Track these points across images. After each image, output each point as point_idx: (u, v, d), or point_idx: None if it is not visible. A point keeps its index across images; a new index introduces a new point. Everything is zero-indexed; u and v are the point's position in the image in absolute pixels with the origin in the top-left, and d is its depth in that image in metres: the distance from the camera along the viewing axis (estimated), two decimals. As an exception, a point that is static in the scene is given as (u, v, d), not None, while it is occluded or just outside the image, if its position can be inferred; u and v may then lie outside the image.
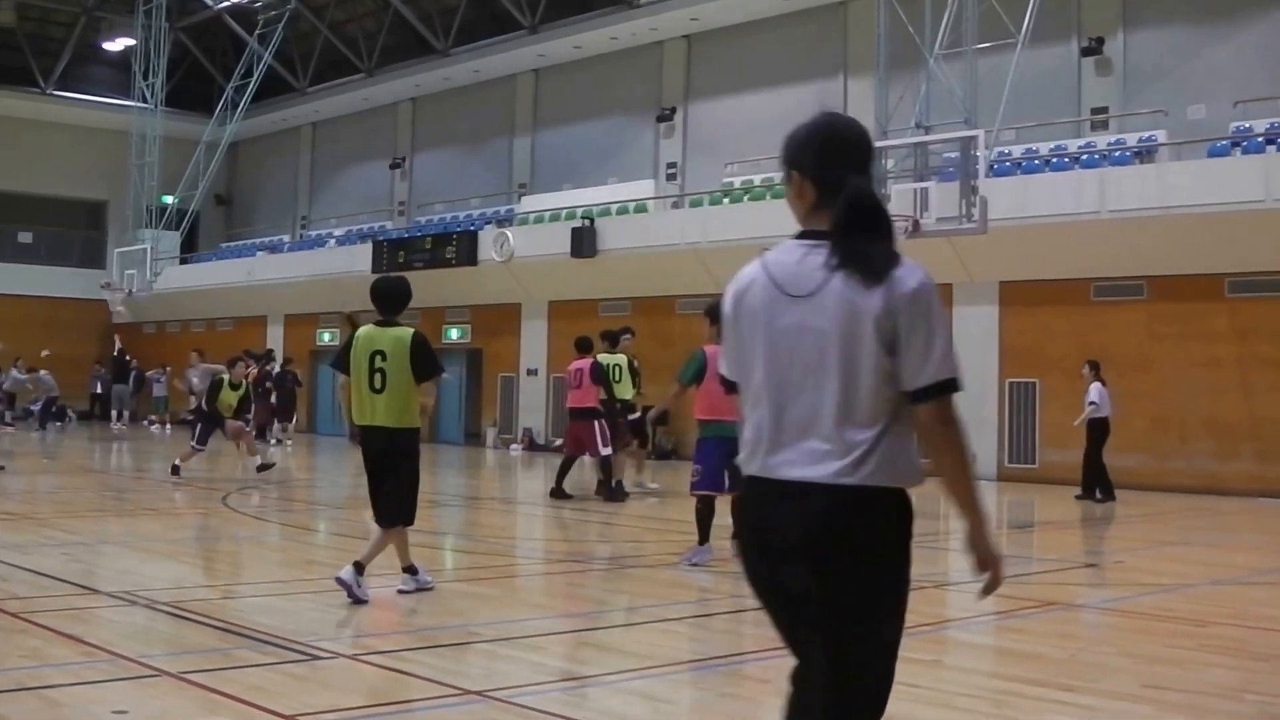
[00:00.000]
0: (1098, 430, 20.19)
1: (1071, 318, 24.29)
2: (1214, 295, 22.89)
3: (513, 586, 10.77)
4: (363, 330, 9.55)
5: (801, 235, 3.63)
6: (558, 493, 18.21)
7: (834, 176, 3.53)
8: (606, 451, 18.14)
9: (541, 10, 37.03)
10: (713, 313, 11.49)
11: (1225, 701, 6.80)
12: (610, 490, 18.34)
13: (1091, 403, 20.02)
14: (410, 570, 9.67)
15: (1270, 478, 22.04)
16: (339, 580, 9.14)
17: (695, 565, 11.64)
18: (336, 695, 6.49)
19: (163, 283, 43.47)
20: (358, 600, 9.09)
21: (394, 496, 9.44)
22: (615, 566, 12.22)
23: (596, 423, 17.95)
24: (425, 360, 9.36)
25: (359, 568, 9.25)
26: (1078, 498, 20.23)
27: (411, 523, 9.61)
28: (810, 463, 3.37)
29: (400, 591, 9.58)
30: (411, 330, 9.48)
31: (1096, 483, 20.25)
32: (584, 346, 18.70)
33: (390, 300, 9.57)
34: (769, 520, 3.45)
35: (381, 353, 9.31)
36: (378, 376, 9.28)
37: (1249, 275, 22.68)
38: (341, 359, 9.58)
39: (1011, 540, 16.83)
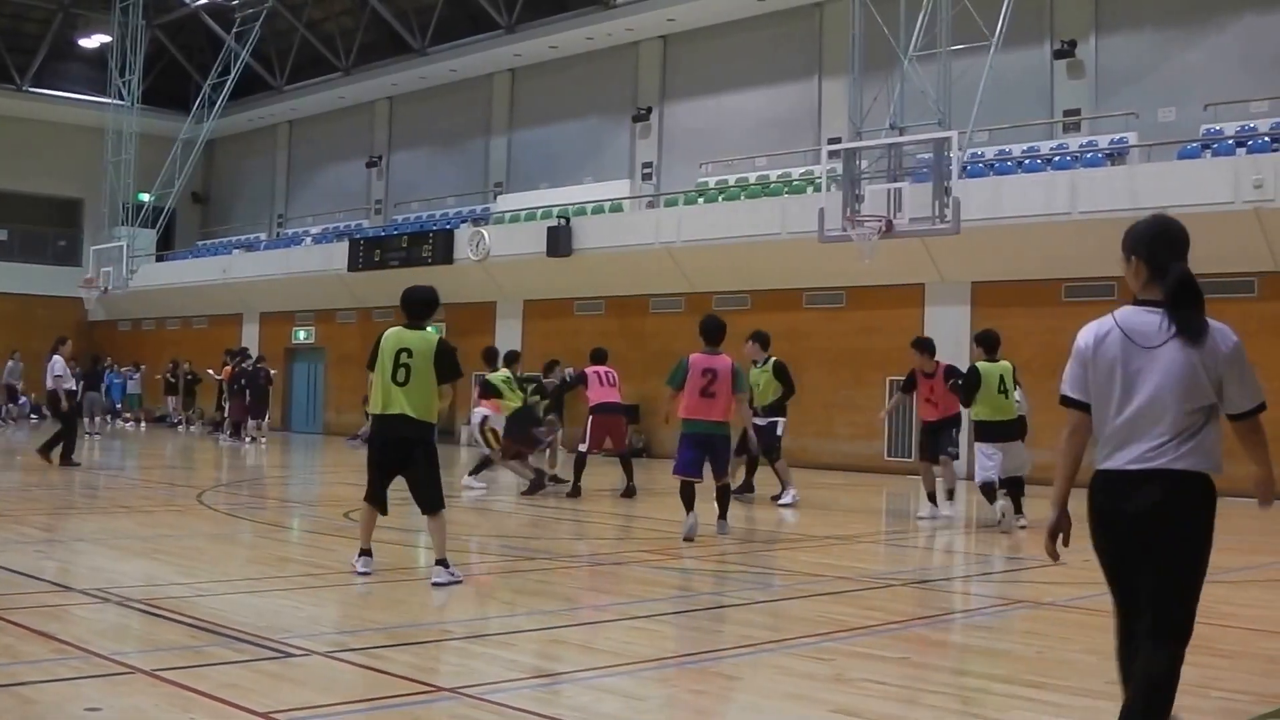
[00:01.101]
0: None
1: (1042, 318, 24.43)
2: (1185, 296, 23.04)
3: (485, 584, 10.82)
4: (391, 331, 10.37)
5: (1141, 303, 5.07)
6: (575, 491, 18.44)
7: (1162, 262, 5.01)
8: (583, 448, 18.53)
9: (518, 10, 37.04)
10: (702, 327, 13.94)
11: (1189, 698, 6.79)
12: (575, 486, 18.57)
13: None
14: (444, 563, 10.15)
15: (1236, 477, 22.00)
16: (437, 584, 9.95)
17: (689, 541, 13.23)
18: (310, 693, 6.50)
19: (138, 280, 43.35)
20: (456, 580, 10.05)
21: (427, 485, 10.26)
22: (586, 564, 12.29)
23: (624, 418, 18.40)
24: (448, 364, 10.25)
25: (443, 563, 10.10)
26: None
27: (444, 505, 10.37)
28: (1158, 458, 4.96)
29: (435, 584, 9.96)
30: (438, 335, 10.43)
31: None
32: (601, 357, 19.30)
33: (417, 308, 10.45)
34: (1127, 499, 5.06)
35: (408, 350, 10.14)
36: (402, 371, 10.10)
37: (1218, 276, 22.79)
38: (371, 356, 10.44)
39: (979, 540, 16.95)
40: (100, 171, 44.58)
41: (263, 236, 46.31)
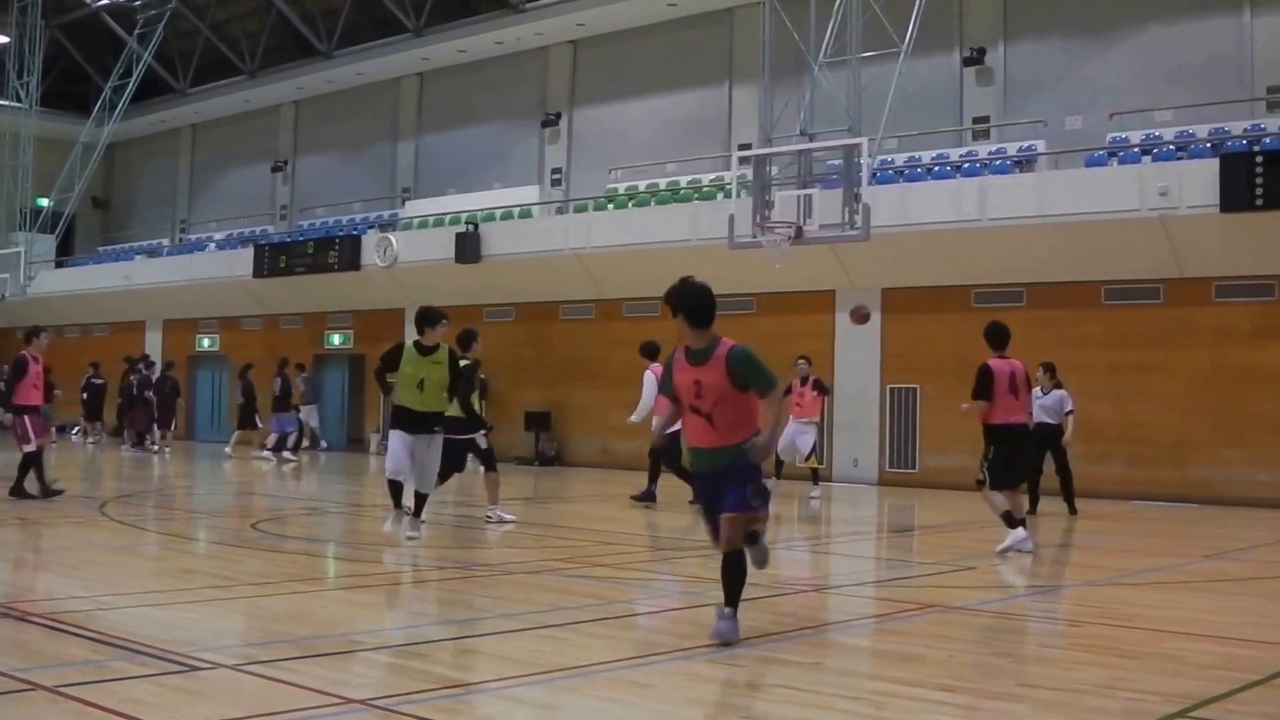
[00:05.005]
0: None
1: (951, 324, 24.62)
2: (1090, 302, 23.35)
3: (394, 594, 10.71)
4: None
5: None
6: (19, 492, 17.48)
7: None
8: (30, 448, 17.51)
9: (426, 14, 36.82)
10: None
11: (1096, 699, 6.92)
12: (18, 488, 17.60)
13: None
14: None
15: (1141, 480, 22.51)
16: None
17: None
18: (216, 706, 6.41)
19: (37, 287, 42.64)
20: None
21: None
22: (496, 573, 12.20)
23: (27, 418, 17.60)
24: None
25: None
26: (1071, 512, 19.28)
27: None
28: None
29: None
30: None
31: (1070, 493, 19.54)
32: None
33: None
34: None
35: None
36: None
37: (1124, 283, 23.16)
38: None
39: (891, 544, 17.06)
40: (-3, 175, 43.85)
41: (166, 242, 45.67)
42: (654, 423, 18.51)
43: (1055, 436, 19.09)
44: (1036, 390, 18.29)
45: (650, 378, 18.79)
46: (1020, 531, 13.51)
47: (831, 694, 7.01)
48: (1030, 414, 15.36)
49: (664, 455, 18.87)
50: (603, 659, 7.86)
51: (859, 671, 8.02)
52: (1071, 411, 19.30)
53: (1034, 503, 18.60)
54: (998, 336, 14.13)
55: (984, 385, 13.74)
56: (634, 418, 19.07)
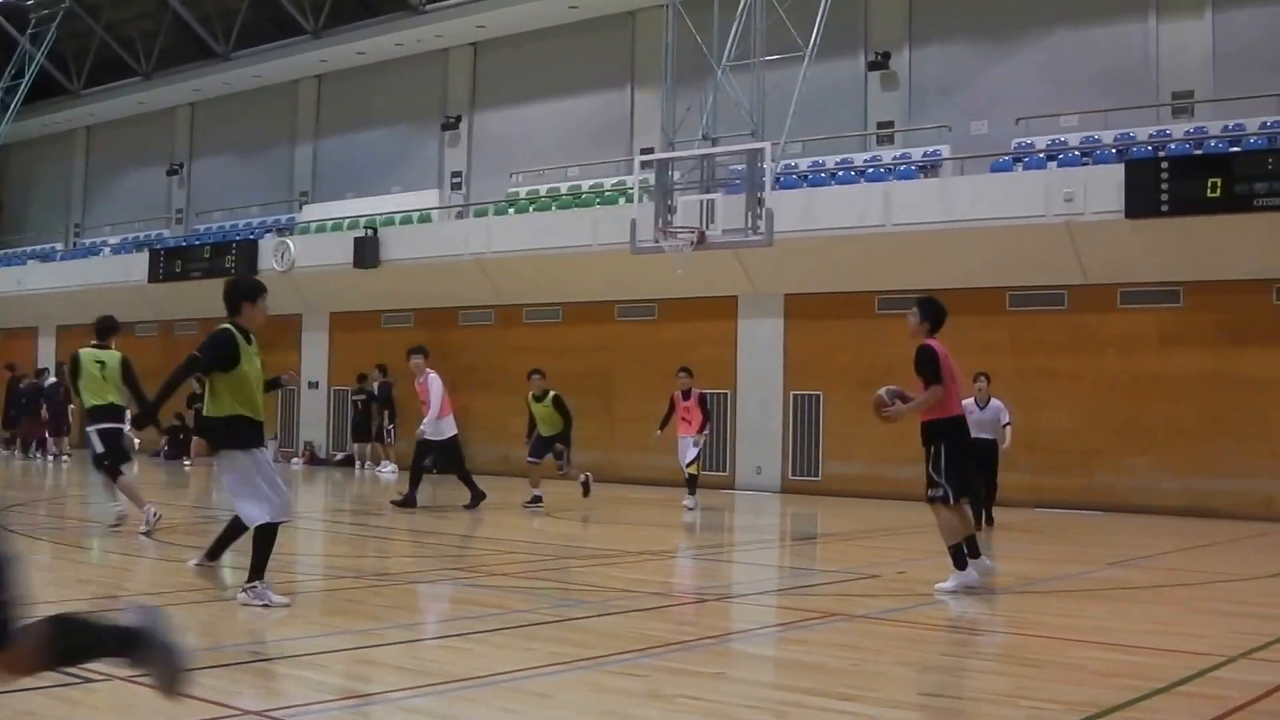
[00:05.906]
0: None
1: (856, 330, 24.72)
2: (995, 308, 23.49)
3: (291, 603, 10.51)
4: None
5: None
6: None
7: None
8: None
9: (325, 15, 36.46)
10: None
11: (999, 708, 6.95)
12: None
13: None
14: None
15: (1045, 488, 22.66)
16: None
17: None
18: (111, 718, 6.33)
19: (-75, 292, 41.81)
20: None
21: None
22: (394, 583, 12.04)
23: None
24: None
25: None
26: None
27: None
28: None
29: None
30: None
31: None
32: None
33: None
34: None
35: None
36: None
37: (1029, 289, 23.33)
38: None
39: (795, 552, 17.05)
40: (-117, 177, 42.93)
41: (59, 246, 44.90)
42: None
43: (994, 453, 18.08)
44: (970, 402, 16.86)
45: (436, 380, 19.83)
46: (972, 574, 11.26)
47: (734, 704, 6.95)
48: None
49: (447, 458, 19.75)
50: (504, 669, 7.75)
51: (761, 681, 8.00)
52: (1009, 423, 18.39)
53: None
54: (940, 313, 12.28)
55: (936, 366, 11.70)
56: (427, 426, 19.73)
